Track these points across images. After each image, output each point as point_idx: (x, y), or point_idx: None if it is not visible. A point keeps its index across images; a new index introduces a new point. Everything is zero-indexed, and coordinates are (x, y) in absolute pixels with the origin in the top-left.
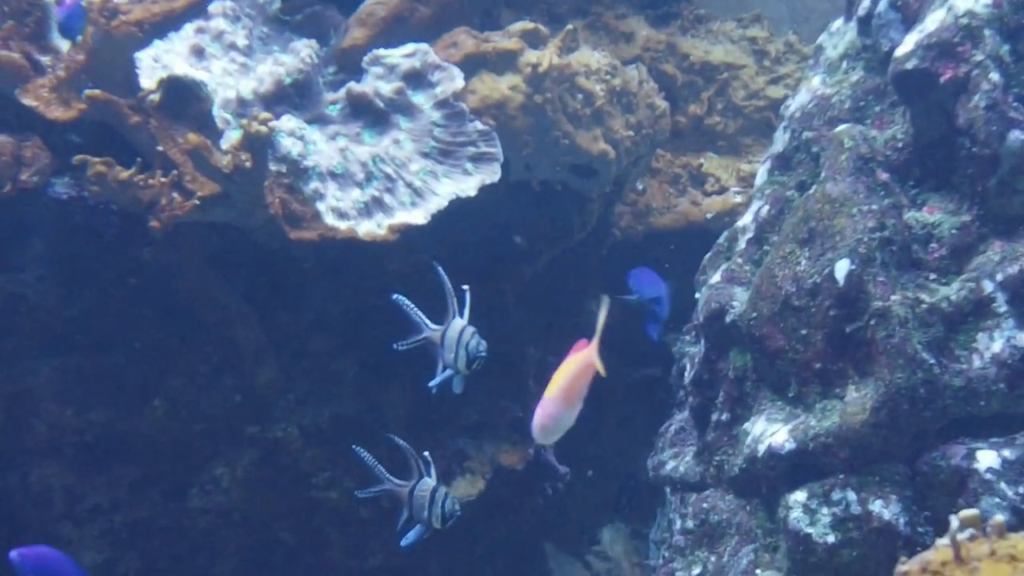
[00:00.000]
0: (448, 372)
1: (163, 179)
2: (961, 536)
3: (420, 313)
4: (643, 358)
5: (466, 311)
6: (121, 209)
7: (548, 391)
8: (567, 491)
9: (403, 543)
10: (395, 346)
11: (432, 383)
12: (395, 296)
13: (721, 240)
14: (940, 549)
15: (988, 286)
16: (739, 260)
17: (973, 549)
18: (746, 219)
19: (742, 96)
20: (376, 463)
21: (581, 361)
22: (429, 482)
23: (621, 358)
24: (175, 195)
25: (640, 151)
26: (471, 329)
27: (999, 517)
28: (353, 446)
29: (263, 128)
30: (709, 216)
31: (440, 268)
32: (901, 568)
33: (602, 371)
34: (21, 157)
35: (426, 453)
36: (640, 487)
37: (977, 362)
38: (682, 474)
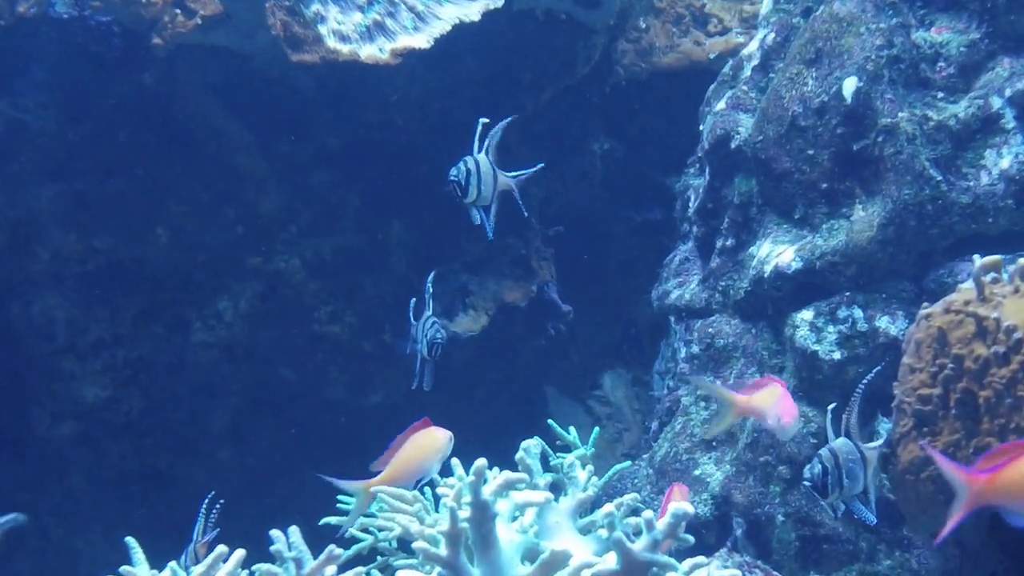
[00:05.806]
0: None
1: None
2: (984, 277)
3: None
4: (645, 201)
5: (486, 143)
6: (123, 30)
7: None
8: (569, 334)
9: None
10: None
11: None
12: None
13: (726, 70)
14: (963, 291)
15: (996, 102)
16: (744, 87)
17: (996, 289)
18: (751, 47)
19: None
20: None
21: None
22: (427, 313)
23: (623, 199)
24: (177, 13)
25: None
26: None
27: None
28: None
29: None
30: (712, 56)
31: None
32: (923, 311)
33: None
34: None
35: (429, 281)
36: (641, 333)
37: (985, 179)
38: (687, 301)
